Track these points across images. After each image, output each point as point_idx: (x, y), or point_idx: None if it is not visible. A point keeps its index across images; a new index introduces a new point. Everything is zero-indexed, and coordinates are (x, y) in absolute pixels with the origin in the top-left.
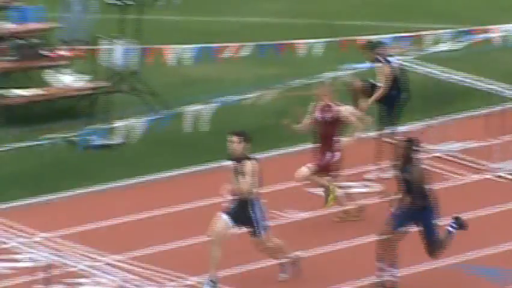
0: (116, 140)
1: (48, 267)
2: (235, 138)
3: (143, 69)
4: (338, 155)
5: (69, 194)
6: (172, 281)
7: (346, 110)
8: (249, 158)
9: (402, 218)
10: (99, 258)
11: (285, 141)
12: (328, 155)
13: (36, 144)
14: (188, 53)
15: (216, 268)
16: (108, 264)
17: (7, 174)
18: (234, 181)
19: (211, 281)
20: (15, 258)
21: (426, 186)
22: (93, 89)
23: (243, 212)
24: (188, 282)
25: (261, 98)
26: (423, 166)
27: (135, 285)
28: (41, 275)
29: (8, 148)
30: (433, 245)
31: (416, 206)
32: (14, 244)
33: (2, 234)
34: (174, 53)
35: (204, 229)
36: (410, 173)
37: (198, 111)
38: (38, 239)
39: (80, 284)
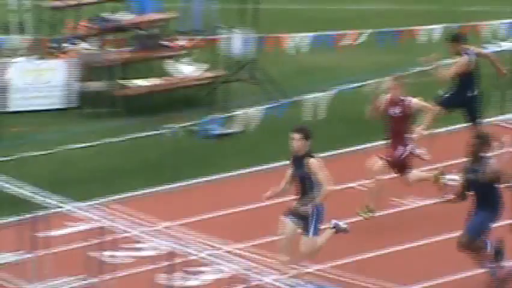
0: (234, 128)
1: (170, 255)
2: (296, 135)
3: (261, 58)
4: (409, 148)
5: (189, 183)
6: (293, 269)
7: (416, 103)
8: (311, 156)
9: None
10: (220, 246)
11: None
12: (400, 149)
13: (157, 134)
14: (305, 41)
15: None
16: (229, 252)
17: (128, 164)
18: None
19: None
20: (138, 247)
21: (497, 187)
22: (212, 78)
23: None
24: (310, 270)
25: (378, 86)
26: (495, 164)
27: (256, 273)
28: (163, 263)
29: (129, 138)
30: (472, 244)
31: (482, 208)
32: (137, 233)
33: (125, 223)
34: (292, 41)
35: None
36: (478, 174)
37: (315, 100)
38: (160, 228)
39: (202, 272)
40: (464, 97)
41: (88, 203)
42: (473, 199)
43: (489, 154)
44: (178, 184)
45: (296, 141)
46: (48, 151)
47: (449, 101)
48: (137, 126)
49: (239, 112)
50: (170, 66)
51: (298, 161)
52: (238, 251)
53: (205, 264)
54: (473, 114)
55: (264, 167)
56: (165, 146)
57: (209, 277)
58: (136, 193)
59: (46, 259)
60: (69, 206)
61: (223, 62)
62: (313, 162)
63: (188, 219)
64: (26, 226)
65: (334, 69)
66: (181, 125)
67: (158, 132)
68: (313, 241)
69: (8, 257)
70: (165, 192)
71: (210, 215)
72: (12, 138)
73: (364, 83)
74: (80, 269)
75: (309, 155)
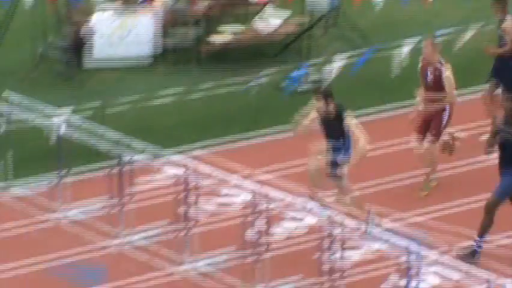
0: (319, 80)
1: (255, 203)
2: (318, 97)
3: (347, 8)
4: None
5: (272, 135)
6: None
7: (447, 77)
8: (342, 113)
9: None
10: (301, 195)
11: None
12: (443, 118)
13: (243, 86)
14: None
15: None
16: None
17: (212, 116)
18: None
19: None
20: (224, 195)
21: None
22: (298, 29)
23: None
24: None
25: (463, 38)
26: None
27: (338, 222)
28: (249, 211)
29: (212, 90)
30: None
31: None
32: (222, 181)
33: (210, 172)
34: None
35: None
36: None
37: (401, 52)
38: (245, 176)
39: (286, 220)
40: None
41: (172, 152)
42: (503, 160)
43: None
44: (262, 136)
45: (319, 103)
46: (132, 104)
47: (494, 73)
48: (221, 78)
49: (323, 63)
50: (257, 17)
51: (331, 123)
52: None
53: (289, 212)
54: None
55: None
56: (250, 99)
57: (291, 225)
58: (220, 145)
59: (132, 208)
60: (153, 155)
61: (309, 11)
62: (349, 120)
63: (273, 168)
64: (113, 175)
65: (420, 21)
66: (266, 77)
67: (243, 84)
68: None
69: (96, 207)
70: (248, 144)
71: (298, 164)
72: (98, 88)
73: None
74: (167, 218)
75: (340, 114)
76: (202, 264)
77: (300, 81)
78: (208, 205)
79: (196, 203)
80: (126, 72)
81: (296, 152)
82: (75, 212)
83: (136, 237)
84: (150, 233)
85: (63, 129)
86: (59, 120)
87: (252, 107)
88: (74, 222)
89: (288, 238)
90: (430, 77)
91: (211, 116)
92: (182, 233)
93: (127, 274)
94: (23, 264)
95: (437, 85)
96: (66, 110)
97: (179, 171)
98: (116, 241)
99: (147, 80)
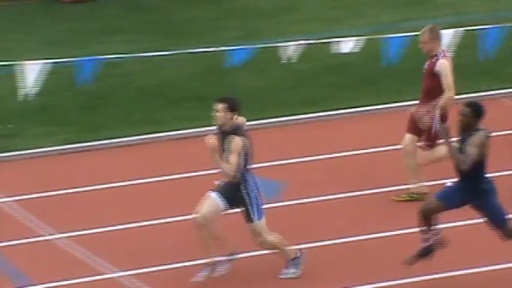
0: None
1: None
2: (219, 106)
3: None
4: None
5: None
6: None
7: (445, 64)
8: (236, 134)
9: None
10: None
11: None
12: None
13: None
14: None
15: (211, 252)
16: None
17: None
18: (217, 157)
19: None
20: None
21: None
22: None
23: (235, 191)
24: None
25: None
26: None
27: None
28: None
29: None
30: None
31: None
32: None
33: None
34: None
35: None
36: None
37: None
38: None
39: None
40: None
41: None
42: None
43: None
44: None
45: (218, 113)
46: None
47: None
48: None
49: None
50: None
51: (223, 137)
52: None
53: None
54: None
55: None
56: None
57: None
58: None
59: None
60: None
61: None
62: (235, 141)
63: None
64: None
65: None
66: None
67: None
68: (262, 223)
69: None
70: None
71: None
72: None
73: None
74: None
75: (235, 132)
76: None
77: None
78: None
79: None
80: None
81: None
82: None
83: None
84: None
85: None
86: None
87: None
88: None
89: None
90: (425, 66)
91: None
92: None
93: None
94: None
95: (431, 79)
96: None
97: None
98: None
99: None
